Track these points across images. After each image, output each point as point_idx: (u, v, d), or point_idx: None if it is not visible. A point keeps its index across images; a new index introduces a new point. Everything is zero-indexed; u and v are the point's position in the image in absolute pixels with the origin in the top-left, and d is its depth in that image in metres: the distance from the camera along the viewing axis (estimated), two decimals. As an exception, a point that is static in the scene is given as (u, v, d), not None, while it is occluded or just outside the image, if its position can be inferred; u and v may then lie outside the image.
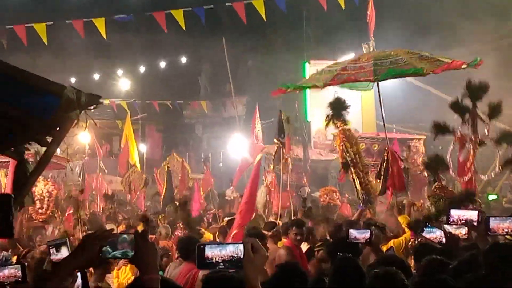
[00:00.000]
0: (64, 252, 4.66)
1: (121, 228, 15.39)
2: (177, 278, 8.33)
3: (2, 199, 3.96)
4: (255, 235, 8.94)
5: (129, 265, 9.97)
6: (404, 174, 12.57)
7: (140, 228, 13.37)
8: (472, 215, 6.62)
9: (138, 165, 27.93)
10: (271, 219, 13.41)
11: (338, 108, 12.78)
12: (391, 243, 9.66)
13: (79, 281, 4.69)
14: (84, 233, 11.92)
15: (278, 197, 15.56)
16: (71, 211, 20.44)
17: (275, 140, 14.31)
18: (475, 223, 6.55)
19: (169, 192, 21.89)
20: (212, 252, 3.48)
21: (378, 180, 12.31)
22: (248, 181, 12.96)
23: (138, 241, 3.53)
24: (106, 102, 34.48)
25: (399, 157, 12.22)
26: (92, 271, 8.21)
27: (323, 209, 17.26)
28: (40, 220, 17.54)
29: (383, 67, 12.02)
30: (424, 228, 7.68)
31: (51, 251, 4.69)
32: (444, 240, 7.30)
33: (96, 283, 8.05)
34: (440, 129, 11.75)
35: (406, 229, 10.12)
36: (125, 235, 3.58)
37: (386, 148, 12.36)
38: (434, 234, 7.48)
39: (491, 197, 18.76)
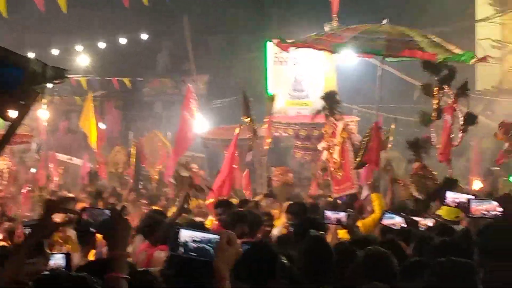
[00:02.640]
0: None
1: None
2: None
3: None
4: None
5: None
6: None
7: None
8: (465, 197, 6.63)
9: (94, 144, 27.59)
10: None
11: (333, 101, 12.95)
12: (359, 223, 9.65)
13: (61, 262, 4.61)
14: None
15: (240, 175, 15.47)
16: (28, 189, 20.25)
17: (243, 119, 14.15)
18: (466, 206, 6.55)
19: (138, 169, 22.24)
20: (186, 238, 3.39)
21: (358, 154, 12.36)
22: (227, 156, 12.94)
23: (113, 216, 3.58)
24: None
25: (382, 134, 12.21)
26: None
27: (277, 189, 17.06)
28: (-3, 197, 17.15)
29: (356, 42, 11.98)
30: (383, 215, 7.84)
31: (27, 231, 4.56)
32: (405, 225, 7.49)
33: (84, 259, 7.95)
34: (425, 119, 11.93)
35: (376, 208, 10.11)
36: (104, 210, 3.61)
37: (373, 125, 12.27)
38: (394, 220, 7.66)
39: None
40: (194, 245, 3.38)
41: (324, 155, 13.64)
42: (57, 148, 30.73)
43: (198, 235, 3.41)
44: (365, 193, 11.84)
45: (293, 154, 22.29)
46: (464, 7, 28.69)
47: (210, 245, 3.37)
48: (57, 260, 4.58)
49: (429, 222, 7.93)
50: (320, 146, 14.09)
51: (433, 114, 12.25)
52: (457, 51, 12.06)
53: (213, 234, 3.44)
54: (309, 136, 20.10)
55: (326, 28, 23.49)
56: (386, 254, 5.30)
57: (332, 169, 13.19)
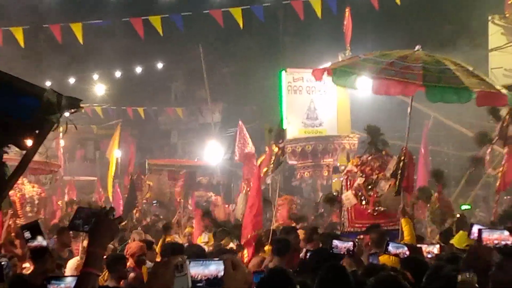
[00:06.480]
0: (38, 237, 4.55)
1: None
2: None
3: None
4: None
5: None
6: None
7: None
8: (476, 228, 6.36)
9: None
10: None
11: (378, 134, 12.84)
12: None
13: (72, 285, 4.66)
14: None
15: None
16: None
17: (274, 146, 14.23)
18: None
19: (131, 199, 22.63)
20: (192, 270, 3.38)
21: (394, 180, 12.10)
22: (252, 189, 12.86)
23: (98, 215, 3.66)
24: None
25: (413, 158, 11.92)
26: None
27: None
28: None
29: (431, 73, 10.98)
30: (388, 245, 7.81)
31: (25, 235, 4.57)
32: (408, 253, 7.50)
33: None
34: (483, 140, 11.70)
35: (406, 233, 9.99)
36: (94, 211, 3.73)
37: (403, 148, 11.53)
38: (399, 250, 7.66)
39: (464, 207, 18.80)
40: (201, 276, 3.40)
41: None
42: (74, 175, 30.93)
43: (201, 265, 3.44)
44: None
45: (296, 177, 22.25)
46: (477, 37, 28.81)
47: (217, 273, 3.38)
48: (67, 283, 4.62)
49: (434, 249, 7.92)
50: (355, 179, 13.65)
51: (494, 135, 12.03)
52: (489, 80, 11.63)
53: (216, 261, 3.45)
54: (305, 151, 20.14)
55: (340, 57, 23.66)
56: (396, 278, 5.30)
57: (364, 201, 12.86)
